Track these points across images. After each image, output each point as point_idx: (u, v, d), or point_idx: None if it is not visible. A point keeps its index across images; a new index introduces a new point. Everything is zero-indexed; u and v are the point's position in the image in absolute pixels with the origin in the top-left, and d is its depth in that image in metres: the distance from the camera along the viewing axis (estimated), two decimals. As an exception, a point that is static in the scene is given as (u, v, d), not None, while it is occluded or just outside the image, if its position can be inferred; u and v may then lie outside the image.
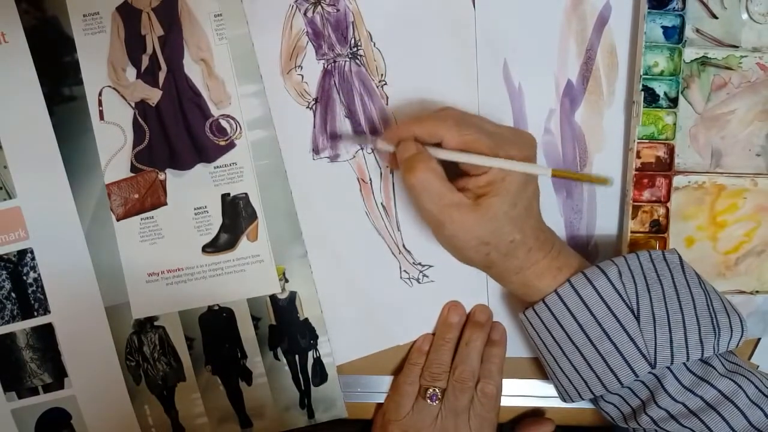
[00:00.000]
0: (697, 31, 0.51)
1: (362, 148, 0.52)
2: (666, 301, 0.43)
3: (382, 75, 0.52)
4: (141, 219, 0.52)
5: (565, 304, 0.44)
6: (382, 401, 0.55)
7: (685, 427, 0.43)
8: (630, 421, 0.46)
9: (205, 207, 0.52)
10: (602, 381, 0.44)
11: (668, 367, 0.44)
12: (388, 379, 0.55)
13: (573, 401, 0.47)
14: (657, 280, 0.44)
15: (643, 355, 0.42)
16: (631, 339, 0.43)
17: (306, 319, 0.53)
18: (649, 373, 0.44)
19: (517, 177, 0.43)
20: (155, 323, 0.52)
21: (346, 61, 0.52)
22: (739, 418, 0.42)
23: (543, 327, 0.46)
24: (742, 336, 0.43)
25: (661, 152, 0.51)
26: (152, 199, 0.52)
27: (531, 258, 0.45)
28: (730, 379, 0.43)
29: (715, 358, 0.44)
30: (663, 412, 0.44)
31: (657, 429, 0.45)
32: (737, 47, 0.51)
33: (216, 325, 0.53)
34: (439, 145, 0.44)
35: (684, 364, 0.44)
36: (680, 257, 0.46)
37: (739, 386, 0.42)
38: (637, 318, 0.43)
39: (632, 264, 0.44)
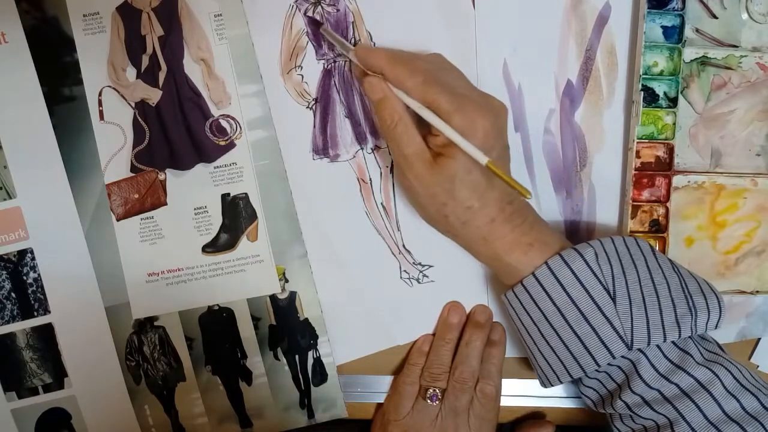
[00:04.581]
0: (697, 30, 0.51)
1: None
2: (641, 283, 0.43)
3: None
4: (141, 219, 0.52)
5: (542, 286, 0.44)
6: (382, 401, 0.55)
7: (659, 413, 0.43)
8: (606, 406, 0.47)
9: (205, 207, 0.52)
10: (579, 362, 0.44)
11: (645, 354, 0.44)
12: (388, 379, 0.55)
13: (552, 385, 0.47)
14: (632, 263, 0.44)
15: (620, 336, 0.42)
16: (608, 320, 0.42)
17: (306, 319, 0.53)
18: (627, 358, 0.44)
19: (474, 144, 0.42)
20: (155, 323, 0.52)
21: (346, 61, 0.52)
22: (714, 407, 0.41)
23: (522, 309, 0.46)
24: (720, 316, 0.43)
25: (661, 152, 0.51)
26: (152, 199, 0.52)
27: (496, 230, 0.45)
28: (707, 368, 0.42)
29: (694, 347, 0.44)
30: (637, 398, 0.44)
31: (631, 414, 0.45)
32: (737, 47, 0.51)
33: (216, 325, 0.53)
34: None
35: (661, 351, 0.44)
36: (651, 246, 0.46)
37: (716, 375, 0.42)
38: (614, 299, 0.43)
39: (608, 247, 0.44)
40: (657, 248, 0.51)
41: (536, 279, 0.44)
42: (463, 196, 0.44)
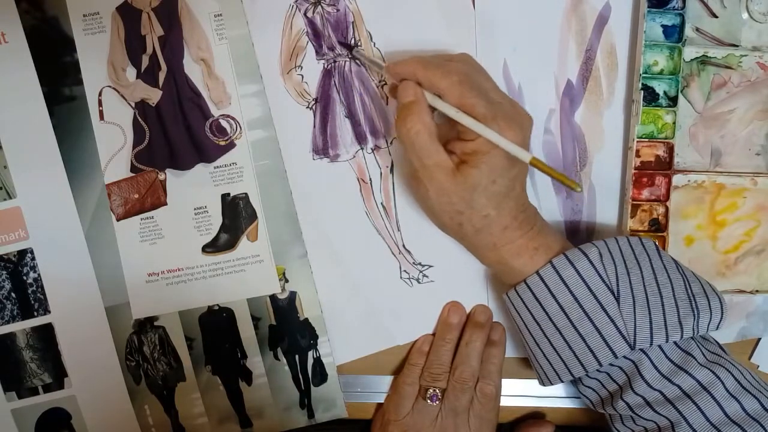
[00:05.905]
0: (697, 30, 0.51)
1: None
2: (645, 284, 0.43)
3: (381, 75, 0.52)
4: (141, 219, 0.52)
5: (546, 285, 0.44)
6: (382, 401, 0.55)
7: (661, 414, 0.43)
8: (607, 407, 0.47)
9: (205, 207, 0.52)
10: (581, 362, 0.44)
11: (647, 354, 0.44)
12: (388, 379, 0.55)
13: (552, 384, 0.47)
14: (636, 263, 0.44)
15: (623, 336, 0.42)
16: (611, 320, 0.43)
17: (306, 319, 0.53)
18: (629, 358, 0.44)
19: (502, 154, 0.43)
20: (155, 323, 0.52)
21: (346, 61, 0.52)
22: (715, 409, 0.41)
23: (524, 308, 0.46)
24: (722, 318, 0.43)
25: (661, 151, 0.51)
26: (152, 199, 0.52)
27: (507, 236, 0.45)
28: (709, 369, 0.42)
29: (696, 348, 0.44)
30: (639, 399, 0.44)
31: (632, 415, 0.45)
32: (737, 46, 0.51)
33: (216, 325, 0.53)
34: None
35: (663, 352, 0.44)
36: (657, 245, 0.46)
37: (718, 377, 0.42)
38: (617, 299, 0.43)
39: (612, 247, 0.44)
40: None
41: (540, 278, 0.44)
42: (482, 205, 0.44)
